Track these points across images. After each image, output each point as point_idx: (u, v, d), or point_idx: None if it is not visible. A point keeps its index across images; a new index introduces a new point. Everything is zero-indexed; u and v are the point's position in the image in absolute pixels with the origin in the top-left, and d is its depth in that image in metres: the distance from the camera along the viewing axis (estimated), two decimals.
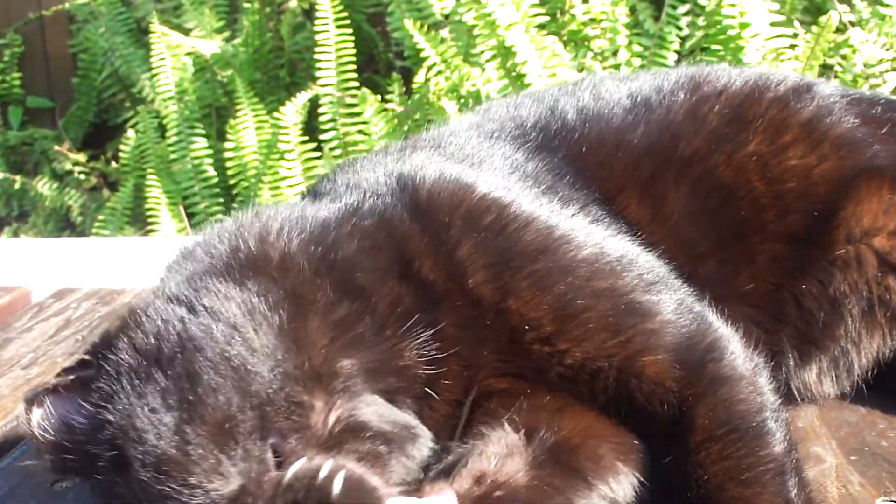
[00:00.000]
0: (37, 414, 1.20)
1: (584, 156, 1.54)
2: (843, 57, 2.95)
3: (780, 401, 1.30)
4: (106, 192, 4.36)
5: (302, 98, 3.46)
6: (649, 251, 1.41)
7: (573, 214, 1.39)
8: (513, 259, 1.28)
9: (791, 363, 1.51)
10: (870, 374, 1.53)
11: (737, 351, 1.30)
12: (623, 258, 1.34)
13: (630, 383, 1.28)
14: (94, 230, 3.96)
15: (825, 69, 2.96)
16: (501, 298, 1.26)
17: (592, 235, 1.35)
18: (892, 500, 1.26)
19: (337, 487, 1.01)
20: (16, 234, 4.27)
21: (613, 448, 1.29)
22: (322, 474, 1.02)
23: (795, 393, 1.52)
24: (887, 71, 2.85)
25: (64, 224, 4.31)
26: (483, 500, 1.18)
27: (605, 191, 1.51)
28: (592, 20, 2.92)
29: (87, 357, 1.23)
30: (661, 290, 1.33)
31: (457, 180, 1.36)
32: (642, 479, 1.29)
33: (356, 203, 1.36)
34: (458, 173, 1.38)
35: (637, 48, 2.91)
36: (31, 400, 1.20)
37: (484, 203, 1.33)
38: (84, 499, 1.36)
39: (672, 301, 1.32)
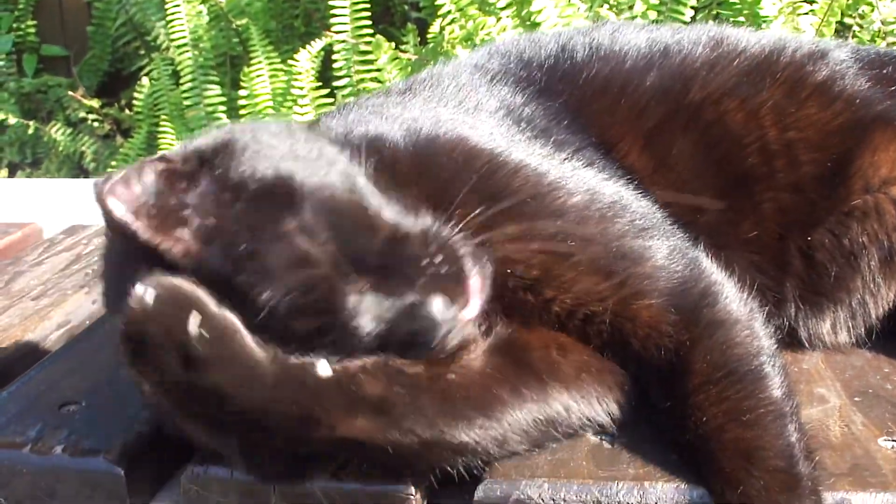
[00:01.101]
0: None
1: (588, 101, 1.53)
2: (861, 15, 2.92)
3: (776, 346, 1.30)
4: (119, 139, 4.35)
5: (317, 45, 3.45)
6: (645, 197, 1.41)
7: (566, 159, 1.40)
8: (501, 203, 1.27)
9: (793, 311, 1.51)
10: (884, 322, 1.54)
11: (731, 295, 1.31)
12: (615, 203, 1.34)
13: (625, 327, 1.28)
14: None
15: (843, 27, 2.93)
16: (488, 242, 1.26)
17: (585, 181, 1.36)
18: (893, 440, 1.26)
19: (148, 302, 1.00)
20: (29, 178, 4.28)
21: (581, 364, 1.30)
22: None
23: (805, 343, 1.53)
24: None
25: (77, 170, 4.31)
26: (436, 381, 1.19)
27: (605, 138, 1.51)
28: None
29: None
30: (655, 236, 1.33)
31: (451, 130, 1.37)
32: (619, 406, 1.30)
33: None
34: (452, 123, 1.39)
35: (654, 1, 2.89)
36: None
37: (475, 150, 1.33)
38: (91, 419, 1.37)
39: (665, 246, 1.32)
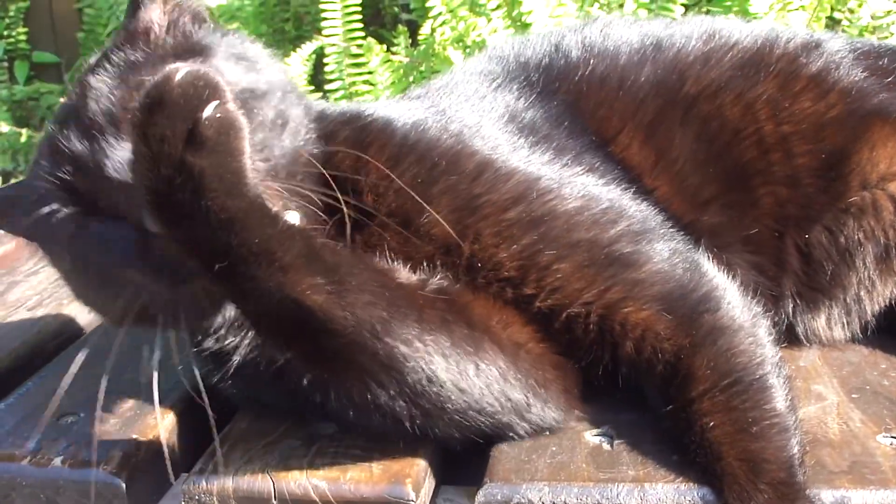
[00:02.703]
0: None
1: (585, 96, 1.53)
2: (850, 10, 2.93)
3: (780, 353, 1.30)
4: None
5: (308, 49, 3.46)
6: (644, 199, 1.41)
7: (565, 164, 1.39)
8: (480, 207, 1.29)
9: (791, 308, 1.51)
10: (880, 318, 1.54)
11: (734, 301, 1.30)
12: (610, 209, 1.34)
13: (614, 330, 1.28)
14: None
15: (832, 22, 2.94)
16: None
17: (581, 187, 1.36)
18: (892, 436, 1.26)
19: (179, 76, 0.99)
20: None
21: (520, 343, 1.30)
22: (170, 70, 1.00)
23: (802, 338, 1.54)
24: (894, 23, 2.83)
25: None
26: (383, 278, 1.20)
27: (604, 132, 1.51)
28: None
29: None
30: (652, 240, 1.33)
31: (457, 130, 1.39)
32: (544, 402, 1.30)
33: None
34: (459, 125, 1.41)
35: None
36: None
37: (469, 152, 1.34)
38: (86, 432, 1.36)
39: (665, 250, 1.32)
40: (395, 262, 1.27)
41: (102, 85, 1.23)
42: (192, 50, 1.27)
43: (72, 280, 1.34)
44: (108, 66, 1.27)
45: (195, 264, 1.06)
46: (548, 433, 1.30)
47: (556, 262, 1.28)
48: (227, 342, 1.28)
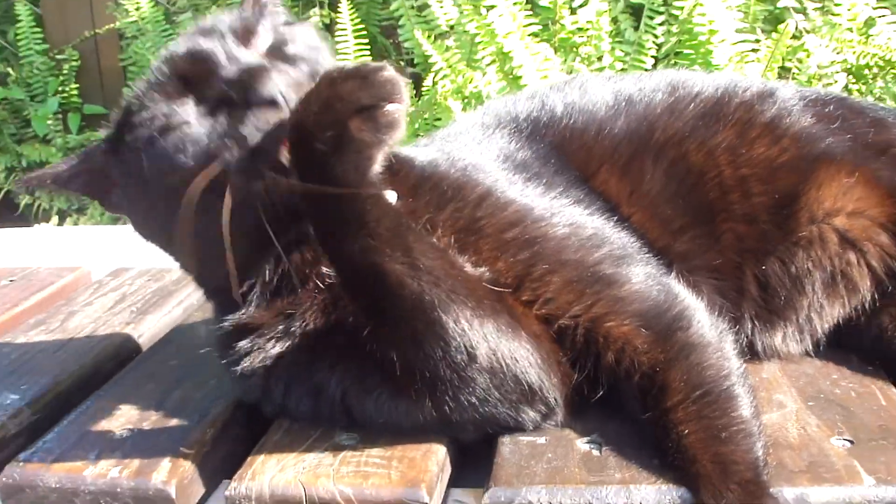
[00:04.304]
0: None
1: (569, 141, 1.55)
2: (799, 60, 2.95)
3: (744, 364, 1.31)
4: None
5: None
6: (624, 228, 1.42)
7: (554, 197, 1.41)
8: (482, 228, 1.31)
9: (750, 328, 1.51)
10: (830, 334, 1.55)
11: (703, 320, 1.31)
12: (595, 235, 1.35)
13: (598, 342, 1.29)
14: None
15: (784, 71, 2.95)
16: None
17: (569, 216, 1.37)
18: (844, 439, 1.27)
19: (388, 71, 1.08)
20: (76, 224, 4.28)
21: (539, 332, 1.30)
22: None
23: (761, 353, 1.53)
24: (837, 72, 2.85)
25: (117, 215, 4.30)
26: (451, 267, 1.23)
27: (585, 170, 1.52)
28: (580, 29, 2.91)
29: None
30: (631, 264, 1.33)
31: (462, 167, 1.42)
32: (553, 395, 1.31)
33: None
34: (464, 163, 1.44)
35: (619, 53, 2.91)
36: None
37: (474, 182, 1.37)
38: (142, 443, 1.37)
39: (641, 273, 1.33)
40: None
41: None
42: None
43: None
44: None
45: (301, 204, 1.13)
46: (549, 427, 1.32)
47: (548, 274, 1.29)
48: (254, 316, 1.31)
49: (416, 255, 1.15)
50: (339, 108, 1.06)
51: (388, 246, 1.12)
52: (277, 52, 1.23)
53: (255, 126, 1.14)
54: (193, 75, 1.22)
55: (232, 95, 1.17)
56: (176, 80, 1.23)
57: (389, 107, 1.07)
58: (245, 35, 1.24)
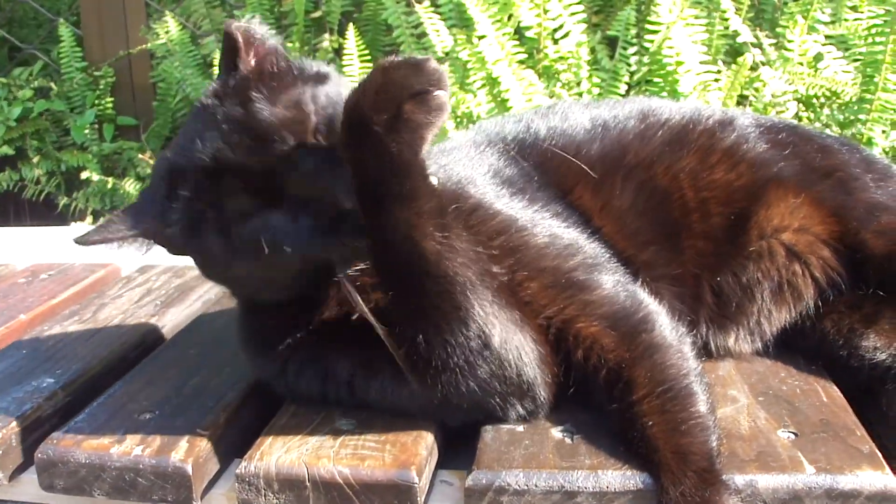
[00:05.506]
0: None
1: (550, 160, 1.54)
2: (756, 89, 2.94)
3: (701, 365, 1.31)
4: None
5: None
6: (596, 240, 1.42)
7: (536, 210, 1.40)
8: (473, 235, 1.28)
9: (706, 330, 1.51)
10: (778, 336, 1.54)
11: (665, 324, 1.31)
12: (571, 245, 1.35)
13: (569, 340, 1.28)
14: None
15: (742, 98, 2.95)
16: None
17: (549, 227, 1.37)
18: (789, 431, 1.27)
19: (434, 62, 1.07)
20: None
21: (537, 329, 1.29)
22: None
23: (715, 353, 1.53)
24: (789, 101, 2.85)
25: None
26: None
27: (563, 186, 1.52)
28: (561, 58, 2.90)
29: None
30: (602, 272, 1.33)
31: (456, 180, 1.42)
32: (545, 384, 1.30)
33: None
34: (457, 177, 1.43)
35: (596, 80, 2.90)
36: None
37: (466, 196, 1.36)
38: (163, 425, 1.36)
39: (610, 280, 1.33)
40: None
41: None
42: (318, 76, 1.24)
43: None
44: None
45: (351, 194, 1.10)
46: (534, 418, 1.31)
47: (528, 280, 1.29)
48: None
49: (453, 238, 1.13)
50: (395, 93, 1.05)
51: (431, 225, 1.11)
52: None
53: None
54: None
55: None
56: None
57: (437, 92, 1.06)
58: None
